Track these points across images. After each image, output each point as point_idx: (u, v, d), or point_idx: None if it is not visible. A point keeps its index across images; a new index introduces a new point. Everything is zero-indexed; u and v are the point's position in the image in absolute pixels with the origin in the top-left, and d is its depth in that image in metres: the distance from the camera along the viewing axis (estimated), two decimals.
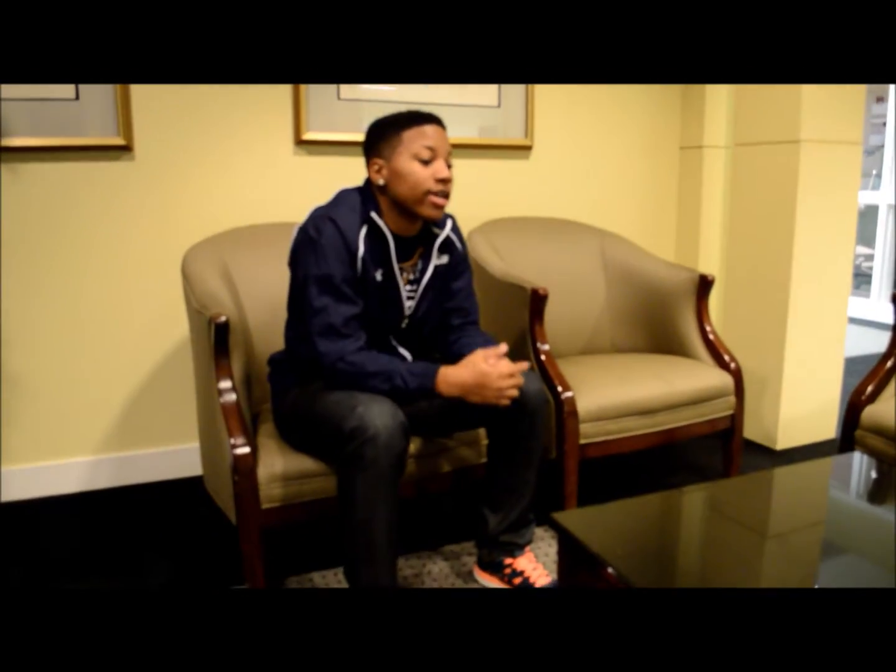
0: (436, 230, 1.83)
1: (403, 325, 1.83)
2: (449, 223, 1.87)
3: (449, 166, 1.72)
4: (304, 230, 1.71)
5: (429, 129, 1.69)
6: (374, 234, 1.72)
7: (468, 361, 1.67)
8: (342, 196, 1.76)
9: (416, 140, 1.68)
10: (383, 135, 1.72)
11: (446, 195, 1.72)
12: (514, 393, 1.67)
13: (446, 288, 1.89)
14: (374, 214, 1.72)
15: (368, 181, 1.76)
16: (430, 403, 1.75)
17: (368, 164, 1.75)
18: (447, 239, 1.85)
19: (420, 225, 1.79)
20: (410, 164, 1.68)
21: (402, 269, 1.79)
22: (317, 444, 1.75)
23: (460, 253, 1.90)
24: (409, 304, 1.81)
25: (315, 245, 1.67)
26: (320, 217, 1.69)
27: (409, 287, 1.81)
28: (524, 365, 1.68)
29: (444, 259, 1.86)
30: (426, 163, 1.68)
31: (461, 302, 1.91)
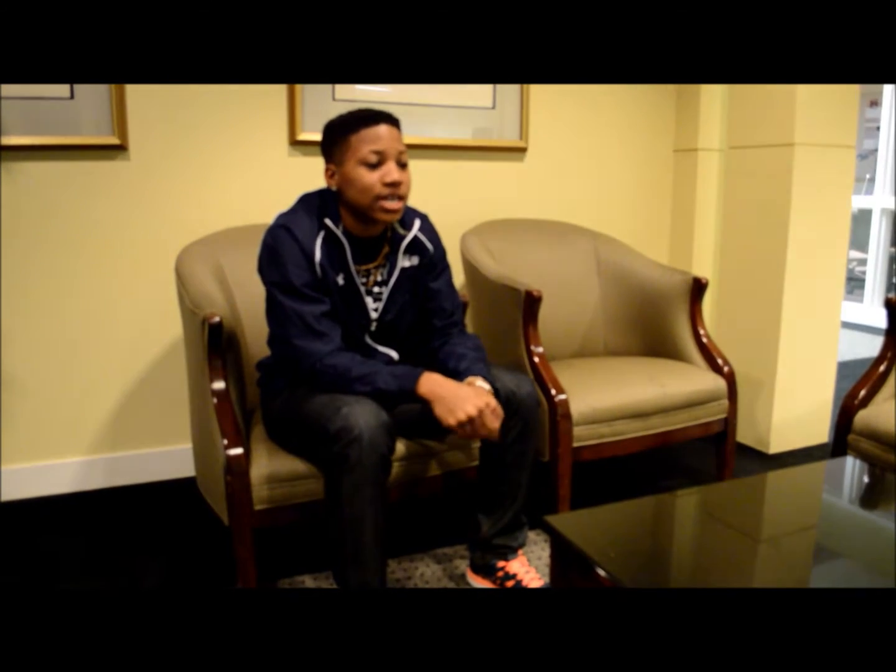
0: (402, 231, 1.82)
1: (373, 328, 1.82)
2: (417, 223, 1.84)
3: (403, 165, 1.69)
4: (264, 240, 1.72)
5: (376, 131, 1.65)
6: (331, 239, 1.72)
7: (474, 386, 1.67)
8: (302, 201, 1.77)
9: (363, 144, 1.65)
10: (333, 139, 1.71)
11: (399, 197, 1.69)
12: (472, 427, 1.64)
13: (421, 289, 1.87)
14: (328, 221, 1.72)
15: None
16: (422, 406, 1.76)
17: (325, 167, 1.74)
18: (415, 240, 1.83)
19: (382, 226, 1.77)
20: (358, 169, 1.66)
21: (367, 271, 1.78)
22: (305, 446, 1.75)
23: (434, 253, 1.87)
24: (375, 307, 1.80)
25: (274, 255, 1.69)
26: (277, 227, 1.71)
27: (376, 289, 1.80)
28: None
29: (415, 260, 1.84)
30: (374, 166, 1.66)
31: (441, 302, 1.89)
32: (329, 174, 1.73)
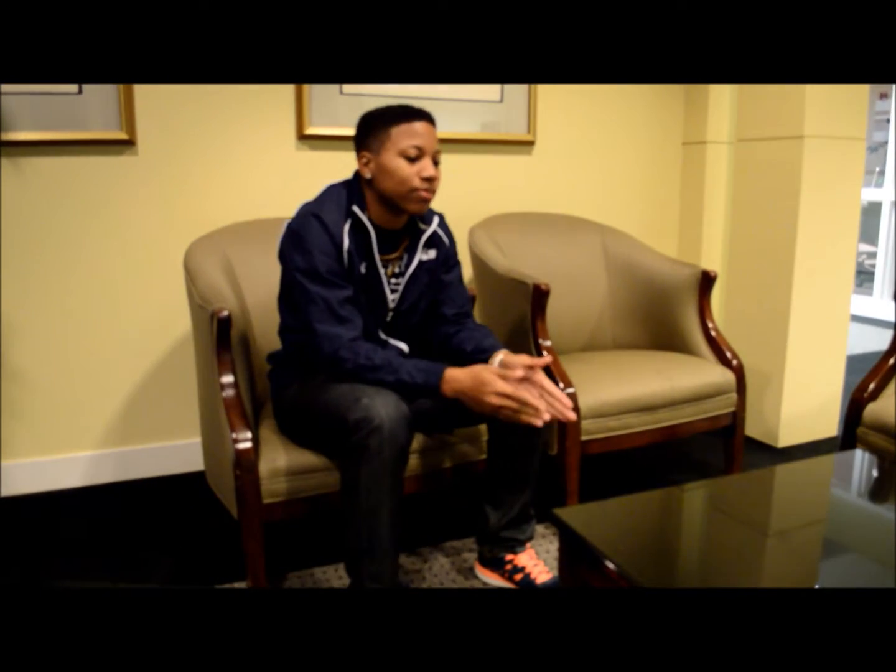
0: (422, 226, 1.84)
1: (389, 318, 1.84)
2: (436, 219, 1.88)
3: (436, 163, 1.73)
4: (290, 227, 1.73)
5: (417, 127, 1.69)
6: (358, 228, 1.74)
7: (473, 369, 1.66)
8: (328, 191, 1.78)
9: (404, 137, 1.68)
10: (372, 128, 1.73)
11: (432, 191, 1.72)
12: (512, 413, 1.62)
13: (434, 283, 1.89)
14: (356, 209, 1.73)
15: (357, 174, 1.78)
16: (431, 399, 1.76)
17: (358, 156, 1.76)
18: (434, 234, 1.86)
19: (405, 218, 1.80)
20: (397, 160, 1.68)
21: (386, 262, 1.80)
22: (320, 437, 1.75)
23: (449, 248, 1.91)
24: (392, 297, 1.82)
25: (300, 241, 1.70)
26: (305, 214, 1.72)
27: (393, 280, 1.82)
28: (526, 391, 1.62)
29: (432, 254, 1.86)
30: (412, 160, 1.68)
31: (452, 293, 1.92)
32: (364, 161, 1.75)
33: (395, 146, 1.69)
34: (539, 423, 1.60)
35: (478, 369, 1.65)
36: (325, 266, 1.68)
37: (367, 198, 1.76)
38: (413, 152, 1.68)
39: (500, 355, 1.76)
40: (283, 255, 1.75)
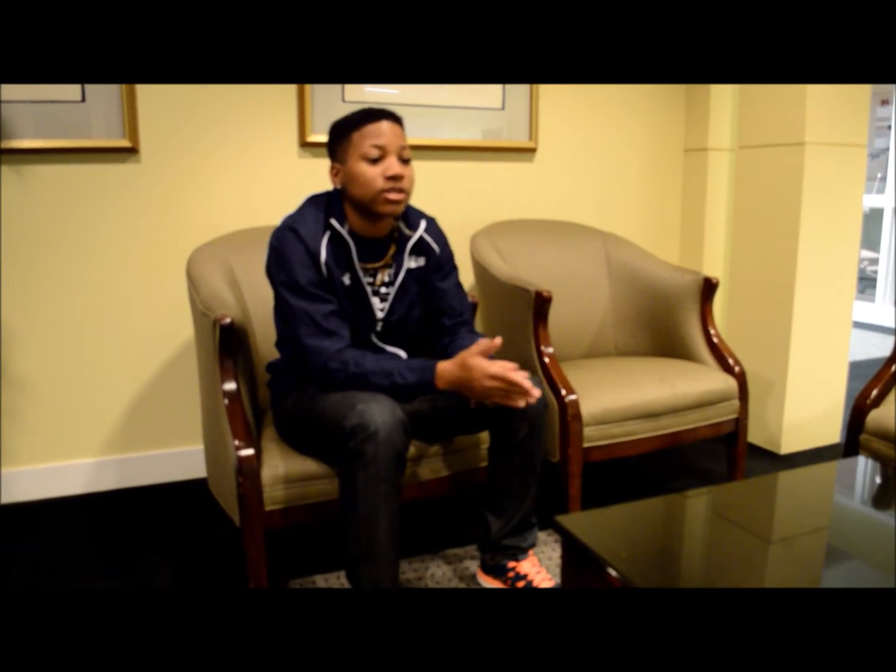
0: (407, 231, 1.83)
1: (379, 328, 1.83)
2: (423, 224, 1.86)
3: (405, 161, 1.71)
4: (270, 242, 1.74)
5: (377, 128, 1.68)
6: (336, 239, 1.74)
7: (458, 357, 1.67)
8: (308, 202, 1.79)
9: (365, 140, 1.68)
10: (337, 138, 1.74)
11: (401, 190, 1.70)
12: (501, 396, 1.65)
13: (429, 290, 1.88)
14: (333, 220, 1.73)
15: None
16: (431, 406, 1.75)
17: (330, 167, 1.77)
18: (420, 241, 1.84)
19: (389, 225, 1.79)
20: (360, 165, 1.68)
21: (374, 271, 1.80)
22: (318, 445, 1.75)
23: (441, 255, 1.89)
24: (381, 307, 1.81)
25: (280, 255, 1.71)
26: (283, 228, 1.73)
27: (383, 289, 1.81)
28: (514, 371, 1.63)
29: (420, 261, 1.85)
30: (375, 161, 1.68)
31: (450, 301, 1.90)
32: (334, 172, 1.75)
33: (357, 150, 1.68)
34: (531, 399, 1.64)
35: (462, 356, 1.66)
36: (305, 278, 1.69)
37: (346, 208, 1.76)
38: (374, 153, 1.67)
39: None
40: (269, 272, 1.76)
